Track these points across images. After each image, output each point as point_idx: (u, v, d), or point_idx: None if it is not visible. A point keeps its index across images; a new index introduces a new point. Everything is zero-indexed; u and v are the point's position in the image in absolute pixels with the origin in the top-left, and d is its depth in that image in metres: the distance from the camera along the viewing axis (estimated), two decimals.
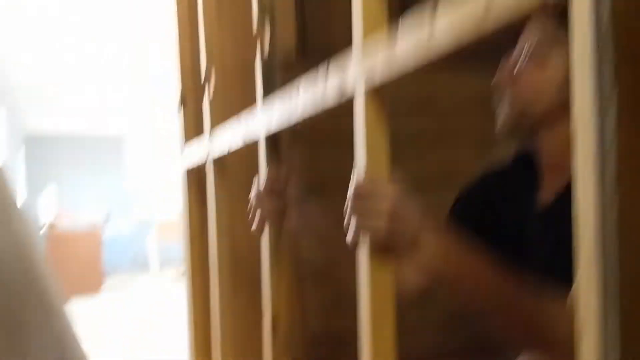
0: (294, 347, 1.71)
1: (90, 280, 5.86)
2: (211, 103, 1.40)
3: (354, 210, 0.74)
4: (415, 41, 0.60)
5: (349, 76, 0.74)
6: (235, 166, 1.65)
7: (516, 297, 0.75)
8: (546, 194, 0.96)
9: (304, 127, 1.56)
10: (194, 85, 1.75)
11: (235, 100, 1.49)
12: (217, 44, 1.41)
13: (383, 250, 0.73)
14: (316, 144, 1.72)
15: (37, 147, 8.27)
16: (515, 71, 0.92)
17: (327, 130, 1.68)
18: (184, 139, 1.76)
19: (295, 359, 1.68)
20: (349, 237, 0.75)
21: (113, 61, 5.25)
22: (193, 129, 1.73)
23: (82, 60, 5.18)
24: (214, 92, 1.40)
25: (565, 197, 0.75)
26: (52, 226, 5.89)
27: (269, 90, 1.10)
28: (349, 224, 0.75)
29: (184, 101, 1.79)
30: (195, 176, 1.69)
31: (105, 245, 6.59)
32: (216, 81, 1.42)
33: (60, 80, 5.83)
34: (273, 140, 1.08)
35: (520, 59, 0.91)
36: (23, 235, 0.70)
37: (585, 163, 0.41)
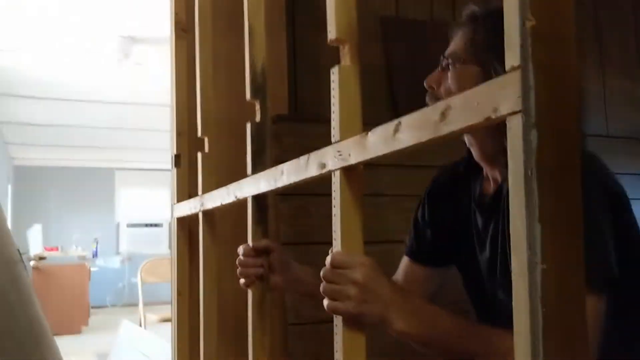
0: None
1: (76, 315, 5.84)
2: (205, 165, 1.48)
3: (328, 278, 0.81)
4: (383, 133, 0.69)
5: (328, 152, 0.82)
6: (223, 222, 1.72)
7: (478, 344, 0.84)
8: (488, 185, 1.10)
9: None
10: (188, 147, 1.82)
11: (228, 161, 1.57)
12: (212, 108, 1.49)
13: (355, 319, 0.79)
14: (304, 195, 1.80)
15: (25, 179, 8.29)
16: (437, 76, 1.07)
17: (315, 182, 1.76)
18: (177, 197, 1.82)
19: None
20: (325, 304, 0.82)
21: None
22: (186, 187, 1.79)
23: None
24: (208, 153, 1.47)
25: (504, 188, 0.92)
26: (39, 260, 5.89)
27: (259, 152, 1.17)
28: (324, 291, 0.82)
29: (177, 161, 1.86)
30: (186, 224, 1.75)
31: (92, 279, 6.59)
32: (210, 144, 1.50)
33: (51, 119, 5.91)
34: (260, 199, 1.15)
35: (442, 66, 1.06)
36: (14, 260, 0.77)
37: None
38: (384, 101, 2.03)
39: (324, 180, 0.89)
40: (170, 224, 1.85)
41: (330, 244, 0.85)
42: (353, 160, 0.77)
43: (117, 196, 8.91)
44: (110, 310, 7.72)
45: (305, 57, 1.93)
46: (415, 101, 0.85)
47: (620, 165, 2.14)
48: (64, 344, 5.27)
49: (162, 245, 8.79)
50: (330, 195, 0.83)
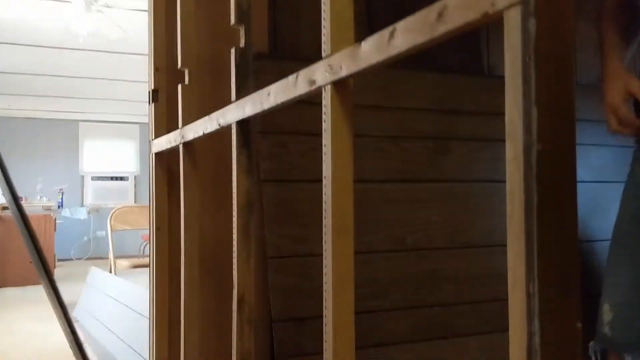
0: (260, 328, 1.79)
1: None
2: (185, 97, 1.48)
3: None
4: (378, 41, 0.70)
5: (319, 68, 0.83)
6: (204, 158, 1.73)
7: None
8: None
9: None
10: (166, 81, 1.81)
11: (209, 93, 1.57)
12: (192, 40, 1.48)
13: None
14: (284, 134, 1.81)
15: None
16: None
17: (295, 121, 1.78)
18: (154, 133, 1.82)
19: (260, 338, 1.77)
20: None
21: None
22: (164, 123, 1.79)
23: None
24: (189, 85, 1.47)
25: None
26: (2, 209, 5.78)
27: (243, 78, 1.18)
28: None
29: (155, 97, 1.85)
30: (165, 160, 1.76)
31: (57, 231, 6.52)
32: (190, 75, 1.49)
33: (15, 65, 5.73)
34: (244, 124, 1.16)
35: None
36: None
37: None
38: (361, 26, 2.04)
39: (312, 97, 0.91)
40: (150, 163, 1.85)
41: (309, 181, 0.87)
42: (345, 72, 0.79)
43: (82, 148, 8.75)
44: (75, 263, 7.67)
45: None
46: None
47: (589, 112, 2.21)
48: (29, 293, 5.24)
49: (128, 199, 8.71)
50: (310, 134, 0.85)
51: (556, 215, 0.52)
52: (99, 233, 7.95)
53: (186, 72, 1.50)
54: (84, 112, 8.34)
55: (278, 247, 1.73)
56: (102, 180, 8.86)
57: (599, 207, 2.09)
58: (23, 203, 6.12)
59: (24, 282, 5.63)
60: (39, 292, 5.11)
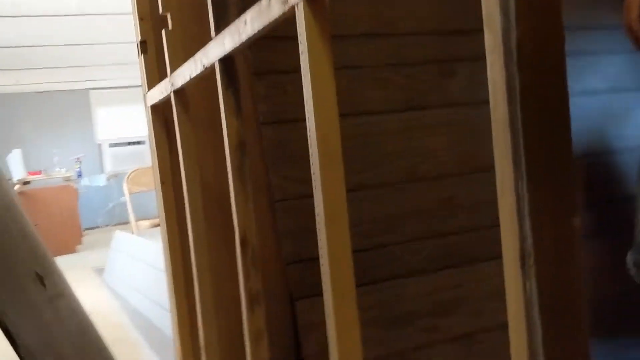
0: (270, 271, 1.78)
1: (69, 237, 5.89)
2: (170, 42, 1.42)
3: None
4: None
5: None
6: (197, 107, 1.68)
7: None
8: None
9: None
10: (153, 30, 1.75)
11: (192, 35, 1.51)
12: None
13: None
14: (280, 74, 1.75)
15: (1, 106, 8.10)
16: None
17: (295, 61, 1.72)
18: (147, 85, 1.78)
19: (267, 278, 1.76)
20: None
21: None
22: (156, 74, 1.74)
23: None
24: (173, 31, 1.41)
25: None
26: (23, 184, 5.85)
27: (220, 15, 1.12)
28: None
29: (144, 47, 1.79)
30: (160, 112, 1.71)
31: (81, 200, 6.60)
32: (173, 20, 1.43)
33: (24, 37, 5.68)
34: (227, 61, 1.10)
35: None
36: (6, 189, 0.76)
37: None
38: None
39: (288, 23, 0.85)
40: (146, 115, 1.81)
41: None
42: None
43: (95, 117, 8.76)
44: (103, 230, 7.79)
45: None
46: None
47: (602, 18, 2.09)
48: (60, 262, 5.36)
49: (146, 162, 8.75)
50: None
51: (543, 103, 0.47)
52: (122, 199, 8.03)
53: (168, 16, 1.44)
54: (93, 80, 8.30)
55: (283, 190, 1.70)
56: (119, 146, 8.90)
57: (615, 116, 2.01)
58: (42, 176, 6.20)
59: (54, 252, 5.74)
60: (65, 262, 5.21)
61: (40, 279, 0.65)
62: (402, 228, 1.78)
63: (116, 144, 8.83)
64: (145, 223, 4.06)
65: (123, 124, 8.86)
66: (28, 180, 5.83)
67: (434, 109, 1.86)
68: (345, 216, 0.81)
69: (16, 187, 5.68)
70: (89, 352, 0.65)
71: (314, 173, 0.82)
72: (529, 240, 0.46)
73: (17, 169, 5.95)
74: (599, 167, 2.06)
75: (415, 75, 1.85)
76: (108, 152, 8.80)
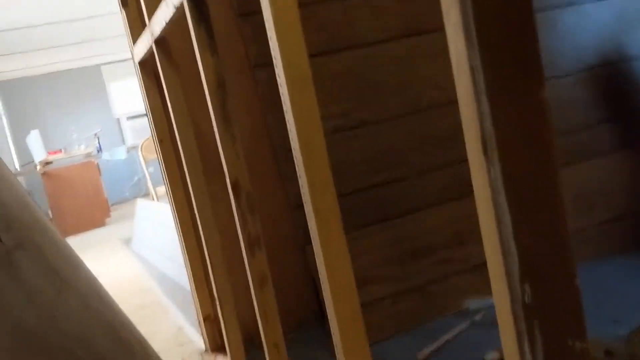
0: (280, 218, 1.75)
1: (97, 212, 5.96)
2: None
3: None
4: None
5: None
6: (184, 54, 1.62)
7: None
8: None
9: None
10: None
11: None
12: None
13: None
14: None
15: (14, 91, 8.15)
16: None
17: None
18: (132, 40, 1.72)
19: (273, 224, 1.73)
20: None
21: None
22: (140, 28, 1.68)
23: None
24: None
25: None
26: (45, 165, 5.91)
27: None
28: None
29: (124, 0, 1.73)
30: (149, 67, 1.66)
31: (105, 175, 6.66)
32: None
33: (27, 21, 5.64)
34: (196, 0, 1.04)
35: None
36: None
37: None
38: None
39: None
40: (136, 74, 1.76)
41: None
42: None
43: (110, 91, 8.76)
44: (132, 202, 7.87)
45: None
46: None
47: None
48: (89, 236, 5.43)
49: None
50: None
51: None
52: (149, 170, 8.07)
53: None
54: (103, 55, 8.27)
55: (283, 135, 1.65)
56: (137, 118, 8.91)
57: (630, 21, 1.89)
58: (62, 155, 6.24)
59: (78, 230, 5.81)
60: (95, 236, 5.29)
61: None
62: (412, 160, 1.72)
63: (133, 116, 8.84)
64: (162, 189, 4.06)
65: (138, 95, 8.85)
66: (49, 160, 5.88)
67: (433, 33, 1.77)
68: (324, 156, 0.75)
69: (38, 168, 5.74)
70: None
71: (286, 112, 0.77)
72: (488, 121, 0.40)
73: (37, 150, 6.00)
74: (618, 77, 1.95)
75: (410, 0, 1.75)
76: (126, 125, 8.83)
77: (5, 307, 0.51)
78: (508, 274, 0.40)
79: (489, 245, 0.42)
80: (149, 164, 4.05)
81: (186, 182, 1.67)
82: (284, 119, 1.66)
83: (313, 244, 0.78)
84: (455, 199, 1.71)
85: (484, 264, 1.54)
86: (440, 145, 1.73)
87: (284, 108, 0.79)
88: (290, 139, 0.77)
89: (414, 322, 1.63)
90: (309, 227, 0.79)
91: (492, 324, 1.56)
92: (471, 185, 1.49)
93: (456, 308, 1.67)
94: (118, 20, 6.69)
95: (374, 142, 1.70)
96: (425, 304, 1.66)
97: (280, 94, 0.77)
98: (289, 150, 1.64)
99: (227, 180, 1.11)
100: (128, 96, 8.91)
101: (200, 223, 1.45)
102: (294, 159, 0.79)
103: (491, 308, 1.65)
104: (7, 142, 7.50)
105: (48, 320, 0.54)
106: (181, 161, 1.64)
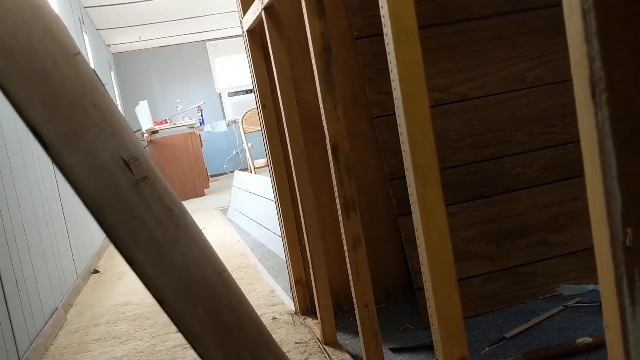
0: (374, 188, 1.78)
1: (197, 181, 6.25)
2: None
3: None
4: None
5: None
6: (293, 25, 1.66)
7: None
8: None
9: None
10: None
11: None
12: None
13: None
14: None
15: (124, 64, 8.63)
16: None
17: None
18: (242, 10, 1.78)
19: (376, 197, 1.75)
20: None
21: None
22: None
23: None
24: None
25: None
26: (152, 134, 6.24)
27: None
28: None
29: None
30: (257, 35, 1.72)
31: (207, 149, 6.94)
32: None
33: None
34: None
35: None
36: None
37: None
38: None
39: None
40: (244, 42, 1.83)
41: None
42: None
43: (214, 66, 9.08)
44: (229, 176, 8.18)
45: None
46: None
47: None
48: (190, 204, 5.70)
49: None
50: None
51: None
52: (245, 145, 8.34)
53: None
54: (209, 31, 8.58)
55: (381, 105, 1.66)
56: (238, 95, 9.19)
57: None
58: (168, 125, 6.56)
59: (186, 196, 6.12)
60: (196, 203, 5.55)
61: (126, 164, 0.67)
62: (515, 139, 1.68)
63: (235, 92, 9.13)
64: (261, 161, 4.19)
65: (240, 72, 9.12)
66: (156, 129, 6.21)
67: (543, 9, 1.72)
68: (430, 136, 0.77)
69: (145, 135, 6.08)
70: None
71: (394, 90, 0.79)
72: (598, 63, 0.40)
73: (145, 120, 6.35)
74: None
75: None
76: (227, 100, 9.13)
77: (140, 220, 0.56)
78: (610, 216, 0.41)
79: (593, 187, 0.42)
80: (248, 137, 4.18)
81: (286, 149, 1.73)
82: (381, 89, 1.68)
83: (410, 201, 0.80)
84: (556, 181, 1.67)
85: (581, 250, 1.50)
86: (547, 124, 1.69)
87: (390, 67, 0.81)
88: (394, 97, 0.79)
89: (504, 302, 1.62)
90: (407, 183, 0.80)
91: (586, 310, 1.51)
92: (574, 168, 1.46)
93: (549, 292, 1.63)
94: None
95: (476, 117, 1.68)
96: (516, 286, 1.63)
97: (387, 53, 0.79)
98: (386, 121, 1.66)
99: (327, 141, 1.14)
100: (230, 73, 9.19)
101: (298, 186, 1.50)
102: (396, 116, 0.81)
103: (586, 295, 1.60)
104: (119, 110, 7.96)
105: (172, 242, 0.60)
106: (282, 127, 1.70)
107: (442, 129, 1.65)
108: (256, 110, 4.38)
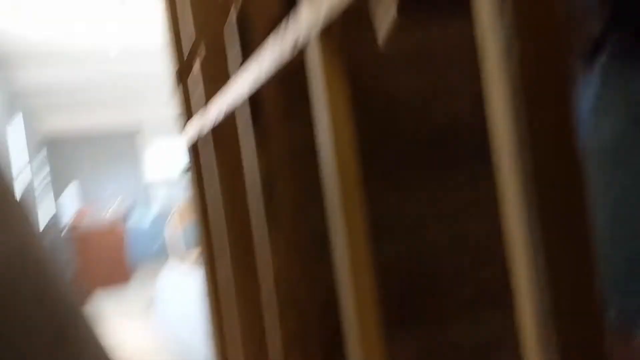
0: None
1: (117, 274, 6.01)
2: (203, 74, 1.42)
3: None
4: None
5: (301, 22, 0.73)
6: (228, 139, 1.68)
7: None
8: None
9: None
10: (188, 61, 1.77)
11: (226, 68, 1.51)
12: (202, 15, 1.42)
13: None
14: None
15: (56, 148, 8.43)
16: None
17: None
18: (185, 117, 1.77)
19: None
20: None
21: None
22: (191, 106, 1.74)
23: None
24: (205, 62, 1.41)
25: None
26: (75, 225, 6.02)
27: (246, 53, 1.11)
28: None
29: (180, 78, 1.80)
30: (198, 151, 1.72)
31: (130, 238, 6.73)
32: (206, 52, 1.44)
33: (72, 82, 5.90)
34: (254, 101, 1.09)
35: None
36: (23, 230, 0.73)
37: None
38: None
39: None
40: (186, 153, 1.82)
41: None
42: None
43: (143, 157, 8.98)
44: (155, 267, 7.91)
45: None
46: None
47: None
48: (111, 294, 5.42)
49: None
50: None
51: None
52: (175, 233, 8.12)
53: (201, 53, 1.45)
54: (139, 119, 8.54)
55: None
56: (167, 184, 9.07)
57: None
58: (92, 216, 6.36)
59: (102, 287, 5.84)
60: (117, 295, 5.30)
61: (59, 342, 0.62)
62: None
63: (163, 181, 9.01)
64: (190, 255, 4.11)
65: (169, 159, 9.03)
66: (78, 223, 5.98)
67: None
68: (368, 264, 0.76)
69: (65, 229, 5.86)
70: None
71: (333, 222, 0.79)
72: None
73: (72, 204, 6.18)
74: None
75: None
76: (157, 190, 8.98)
77: None
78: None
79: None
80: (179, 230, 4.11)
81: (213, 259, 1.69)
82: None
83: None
84: None
85: None
86: None
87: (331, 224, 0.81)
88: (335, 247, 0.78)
89: None
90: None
91: None
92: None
93: None
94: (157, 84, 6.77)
95: None
96: None
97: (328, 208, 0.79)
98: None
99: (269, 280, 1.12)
100: (159, 160, 9.10)
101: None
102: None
103: None
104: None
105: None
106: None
107: None
108: (188, 204, 4.32)
